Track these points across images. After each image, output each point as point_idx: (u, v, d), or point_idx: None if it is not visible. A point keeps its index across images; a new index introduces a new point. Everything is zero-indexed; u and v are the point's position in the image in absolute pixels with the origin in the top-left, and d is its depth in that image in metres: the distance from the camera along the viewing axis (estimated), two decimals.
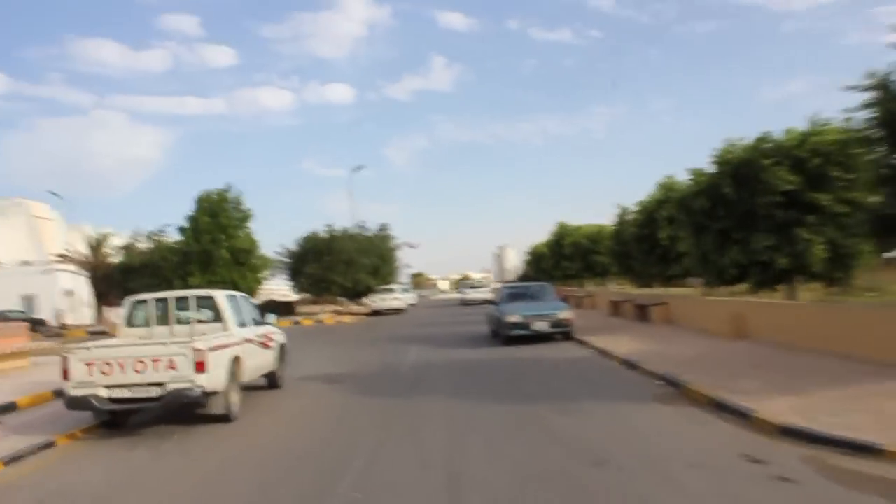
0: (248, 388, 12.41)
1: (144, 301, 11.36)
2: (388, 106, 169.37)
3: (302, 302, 53.88)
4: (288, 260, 38.67)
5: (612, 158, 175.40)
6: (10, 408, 11.85)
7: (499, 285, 51.27)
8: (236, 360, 10.45)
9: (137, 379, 9.19)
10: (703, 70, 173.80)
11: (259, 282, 26.11)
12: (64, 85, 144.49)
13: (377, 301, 42.13)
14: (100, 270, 40.40)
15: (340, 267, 36.82)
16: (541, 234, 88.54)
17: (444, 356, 17.20)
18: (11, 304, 52.83)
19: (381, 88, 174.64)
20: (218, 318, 11.01)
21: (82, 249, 43.32)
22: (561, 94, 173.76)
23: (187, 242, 24.42)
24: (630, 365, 13.09)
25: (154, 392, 9.19)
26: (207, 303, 11.24)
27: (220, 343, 9.85)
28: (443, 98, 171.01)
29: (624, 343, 16.30)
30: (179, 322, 11.21)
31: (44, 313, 48.03)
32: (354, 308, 48.23)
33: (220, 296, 11.16)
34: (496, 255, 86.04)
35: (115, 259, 38.37)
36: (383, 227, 45.06)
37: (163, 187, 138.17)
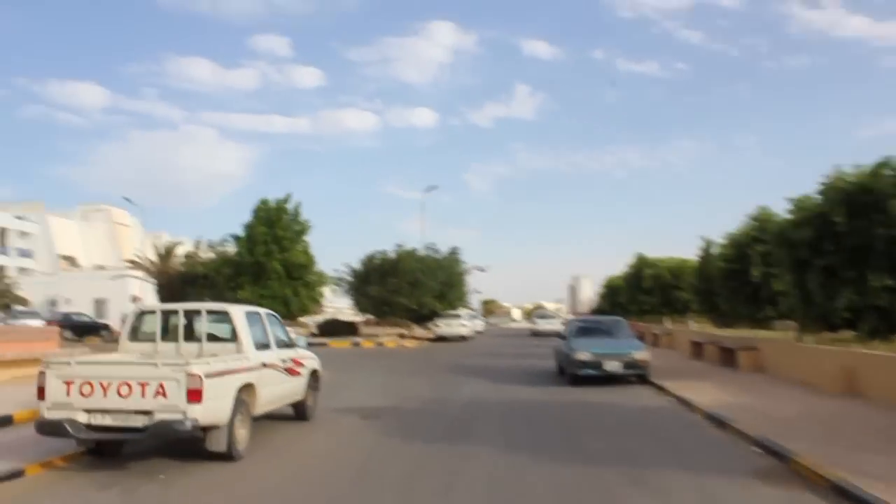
0: (270, 418, 10.86)
1: (152, 312, 9.94)
2: (470, 132, 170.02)
3: (367, 323, 52.73)
4: (350, 279, 37.46)
5: (693, 193, 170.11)
6: (3, 422, 10.56)
7: (571, 317, 49.07)
8: (248, 389, 8.88)
9: (121, 404, 7.70)
10: (792, 106, 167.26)
11: (314, 300, 24.73)
12: (158, 100, 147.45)
13: (442, 326, 40.44)
14: (165, 278, 40.02)
15: (405, 288, 35.34)
16: (617, 267, 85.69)
17: (502, 394, 15.35)
18: (84, 307, 53.45)
19: (463, 114, 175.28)
20: (235, 336, 9.45)
21: (152, 257, 43.17)
22: (644, 126, 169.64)
23: (241, 253, 23.29)
24: (718, 421, 10.98)
25: (139, 421, 7.68)
26: (221, 318, 9.73)
27: (224, 368, 8.28)
28: (524, 126, 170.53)
29: (708, 392, 14.14)
30: (191, 339, 9.69)
31: (113, 318, 48.10)
32: (419, 332, 46.73)
33: (237, 311, 9.61)
34: (570, 285, 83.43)
35: (183, 268, 38.07)
36: (453, 250, 43.57)
37: (245, 202, 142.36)
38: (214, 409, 7.93)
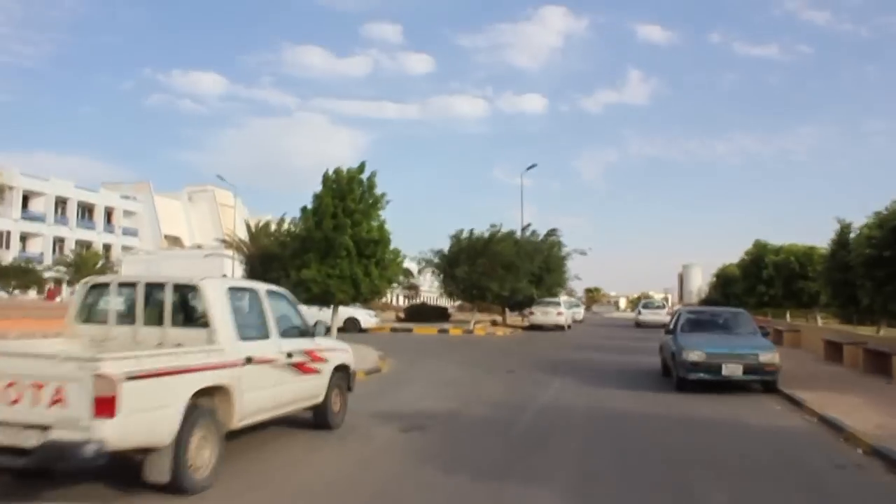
0: (282, 423, 8.41)
1: (105, 285, 7.55)
2: (580, 118, 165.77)
3: (461, 309, 50.22)
4: (437, 261, 34.96)
5: (814, 181, 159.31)
6: None
7: (678, 307, 45.20)
8: (215, 393, 6.40)
9: (8, 414, 5.31)
10: None
11: (389, 281, 22.24)
12: (273, 87, 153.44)
13: (537, 314, 37.46)
14: (255, 256, 38.67)
15: (497, 272, 32.58)
16: (729, 256, 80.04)
17: (591, 400, 12.46)
18: None
19: (574, 100, 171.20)
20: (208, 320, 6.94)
21: (244, 235, 42.01)
22: (762, 112, 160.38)
23: (308, 228, 21.07)
24: (890, 461, 7.76)
25: (30, 439, 5.27)
26: (193, 295, 7.24)
27: (164, 366, 5.77)
28: (636, 112, 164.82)
29: (861, 410, 10.81)
30: (154, 322, 7.22)
31: None
32: (513, 319, 43.87)
33: (210, 287, 7.04)
34: (679, 274, 78.25)
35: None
36: (552, 231, 40.44)
37: None
38: (143, 424, 5.48)
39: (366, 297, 21.76)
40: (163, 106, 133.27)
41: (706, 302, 59.82)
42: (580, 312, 54.73)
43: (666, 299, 50.84)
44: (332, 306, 22.02)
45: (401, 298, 70.56)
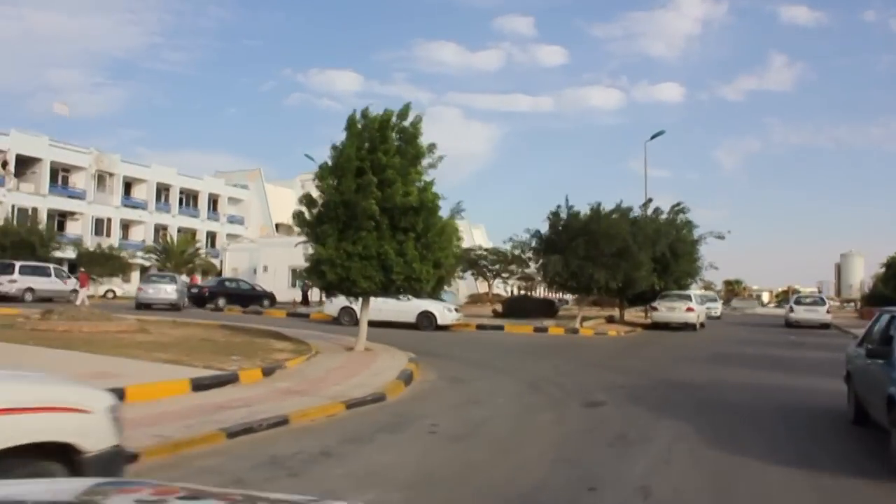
0: None
1: None
2: (719, 107, 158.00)
3: (579, 302, 43.52)
4: (534, 244, 28.66)
5: None
6: None
7: (834, 302, 37.10)
8: None
9: None
10: None
11: (437, 265, 16.09)
12: (407, 83, 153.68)
13: (661, 309, 30.49)
14: None
15: (604, 258, 26.00)
16: (891, 246, 69.06)
17: (718, 484, 6.08)
18: (281, 274, 50.02)
19: (712, 88, 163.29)
20: None
21: None
22: None
23: (327, 189, 15.47)
24: None
25: None
26: None
27: None
28: (780, 99, 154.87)
29: None
30: None
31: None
32: (633, 315, 36.86)
33: None
34: (837, 265, 67.95)
35: None
36: (678, 207, 33.11)
37: (488, 180, 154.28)
38: None
39: (400, 287, 15.81)
40: (302, 104, 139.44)
41: (874, 298, 50.40)
42: (717, 308, 46.80)
43: (815, 294, 42.13)
44: (359, 298, 16.43)
45: (514, 289, 64.52)
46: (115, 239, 61.52)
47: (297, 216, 16.76)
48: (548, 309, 34.01)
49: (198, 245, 59.76)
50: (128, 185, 66.95)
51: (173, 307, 33.36)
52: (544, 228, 28.36)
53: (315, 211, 16.04)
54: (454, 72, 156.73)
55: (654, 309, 30.85)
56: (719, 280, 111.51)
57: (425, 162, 16.07)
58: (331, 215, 15.35)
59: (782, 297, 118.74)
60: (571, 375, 14.28)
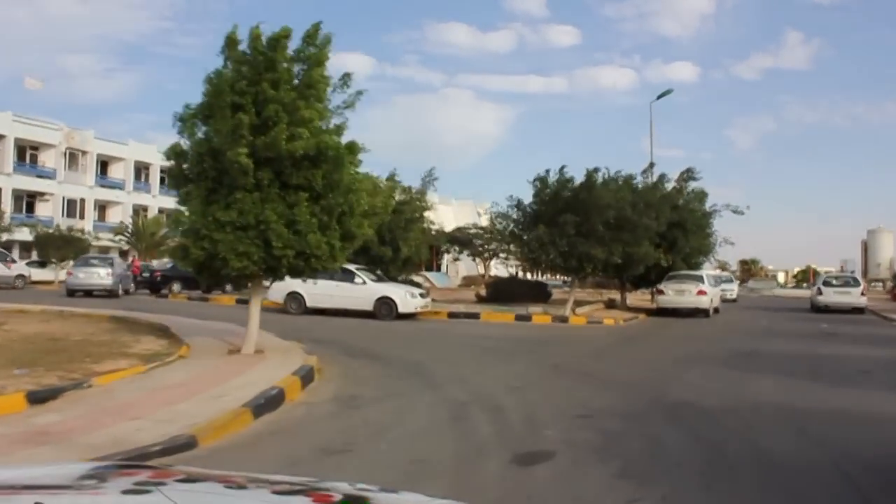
0: None
1: None
2: (734, 85, 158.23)
3: (587, 285, 39.16)
4: (515, 216, 24.20)
5: None
6: None
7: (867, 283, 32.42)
8: None
9: None
10: None
11: (350, 237, 11.57)
12: (419, 65, 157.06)
13: (668, 292, 26.06)
14: None
15: (598, 232, 21.60)
16: None
17: None
18: None
19: (726, 67, 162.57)
20: None
21: None
22: None
23: (191, 136, 11.02)
24: None
25: None
26: None
27: None
28: (795, 77, 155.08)
29: None
30: None
31: None
32: (637, 299, 32.45)
33: None
34: (863, 241, 62.76)
35: None
36: (688, 173, 28.47)
37: (501, 161, 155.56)
38: None
39: (293, 267, 11.38)
40: None
41: None
42: (733, 290, 42.16)
43: (850, 273, 37.23)
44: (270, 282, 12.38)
45: (518, 271, 59.97)
46: (88, 221, 57.65)
47: (169, 173, 12.45)
48: (539, 293, 29.59)
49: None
50: (104, 164, 63.12)
51: (110, 294, 29.31)
52: (529, 198, 23.95)
53: (185, 167, 11.67)
54: (466, 53, 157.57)
55: (660, 292, 26.41)
56: (734, 260, 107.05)
57: (336, 100, 11.74)
58: (197, 171, 10.99)
59: (801, 278, 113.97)
60: (529, 391, 9.95)
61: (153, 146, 66.74)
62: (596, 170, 23.11)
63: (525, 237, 23.79)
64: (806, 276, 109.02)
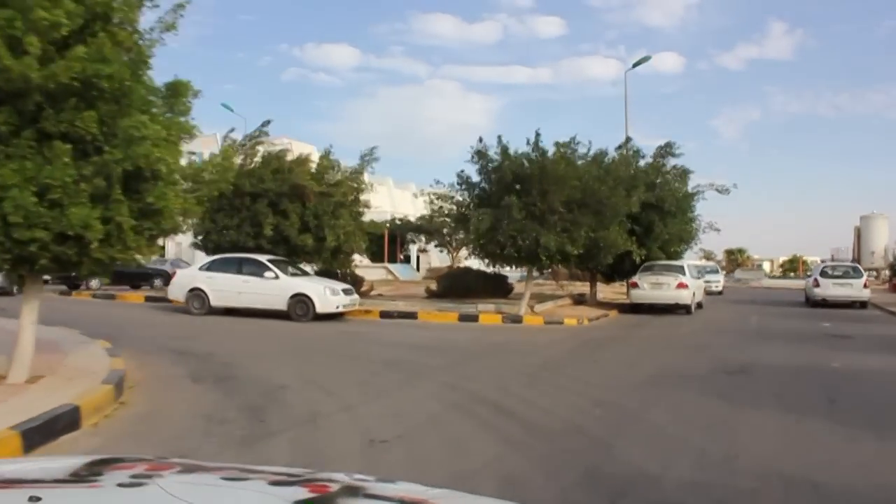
0: None
1: None
2: (719, 76, 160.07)
3: (559, 277, 35.43)
4: (459, 196, 20.37)
5: None
6: None
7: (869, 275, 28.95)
8: None
9: None
10: None
11: (163, 219, 7.77)
12: (404, 56, 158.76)
13: (643, 286, 22.39)
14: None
15: (557, 214, 17.90)
16: None
17: None
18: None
19: (711, 57, 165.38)
20: None
21: None
22: None
23: None
24: None
25: None
26: None
27: None
28: (780, 67, 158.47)
29: None
30: None
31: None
32: (614, 292, 28.88)
33: None
34: (857, 228, 59.25)
35: None
36: (667, 148, 24.67)
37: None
38: None
39: (56, 260, 7.52)
40: (298, 79, 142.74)
41: None
42: (719, 281, 38.56)
43: (851, 262, 33.43)
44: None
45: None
46: None
47: None
48: (498, 287, 25.81)
49: None
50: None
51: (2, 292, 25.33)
52: (477, 176, 20.12)
53: None
54: (452, 44, 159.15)
55: (634, 285, 22.70)
56: (720, 249, 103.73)
57: (150, 19, 7.99)
58: None
59: (788, 267, 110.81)
60: (397, 449, 6.19)
61: None
62: (562, 145, 19.27)
63: (464, 223, 20.01)
64: (793, 266, 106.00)
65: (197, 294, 19.37)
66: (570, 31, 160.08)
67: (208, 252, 22.35)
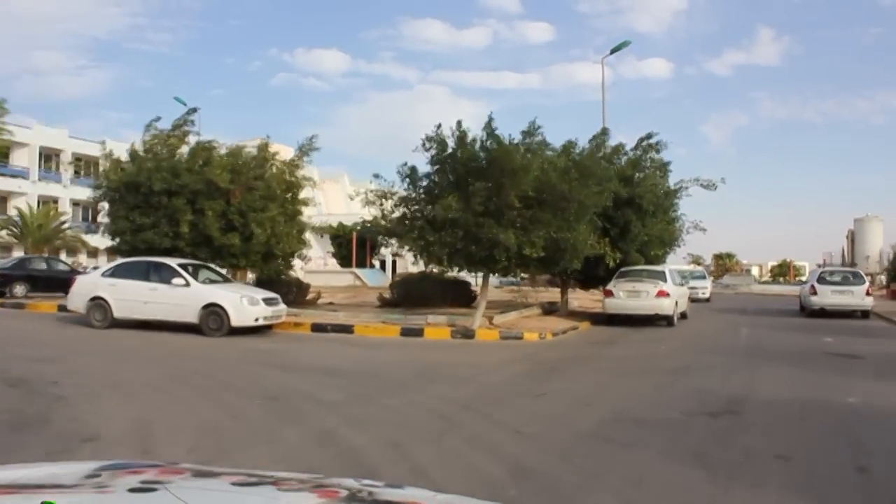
0: None
1: None
2: (707, 81, 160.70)
3: (535, 283, 32.74)
4: (405, 191, 17.54)
5: None
6: None
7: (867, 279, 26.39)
8: None
9: None
10: None
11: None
12: (394, 62, 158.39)
13: (619, 294, 19.65)
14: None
15: (511, 212, 15.17)
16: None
17: None
18: None
19: (699, 63, 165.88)
20: None
21: None
22: None
23: None
24: None
25: None
26: None
27: None
28: (767, 73, 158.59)
29: None
30: None
31: None
32: (588, 299, 26.25)
33: None
34: (850, 231, 56.58)
35: None
36: (647, 141, 21.84)
37: None
38: None
39: None
40: (288, 84, 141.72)
41: None
42: (706, 288, 35.77)
43: (852, 267, 30.51)
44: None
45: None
46: None
47: None
48: (459, 294, 23.07)
49: (63, 218, 48.22)
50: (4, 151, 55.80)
51: None
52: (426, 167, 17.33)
53: None
54: (441, 49, 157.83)
55: (609, 294, 19.98)
56: (709, 254, 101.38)
57: None
58: None
59: (777, 272, 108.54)
60: None
61: (64, 130, 59.64)
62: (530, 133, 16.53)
63: (415, 215, 17.22)
64: (783, 271, 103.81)
65: (98, 304, 16.57)
66: (559, 36, 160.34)
67: (123, 255, 19.56)
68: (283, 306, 17.05)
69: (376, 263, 52.21)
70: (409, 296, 22.92)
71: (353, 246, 46.56)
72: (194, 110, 20.59)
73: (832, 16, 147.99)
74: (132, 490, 1.65)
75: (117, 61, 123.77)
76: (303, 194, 20.97)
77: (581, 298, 26.87)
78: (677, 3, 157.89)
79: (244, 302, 15.83)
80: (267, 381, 10.25)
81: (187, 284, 16.12)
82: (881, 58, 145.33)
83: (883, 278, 44.08)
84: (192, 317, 15.88)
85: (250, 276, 22.51)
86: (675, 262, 28.37)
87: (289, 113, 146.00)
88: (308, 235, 48.72)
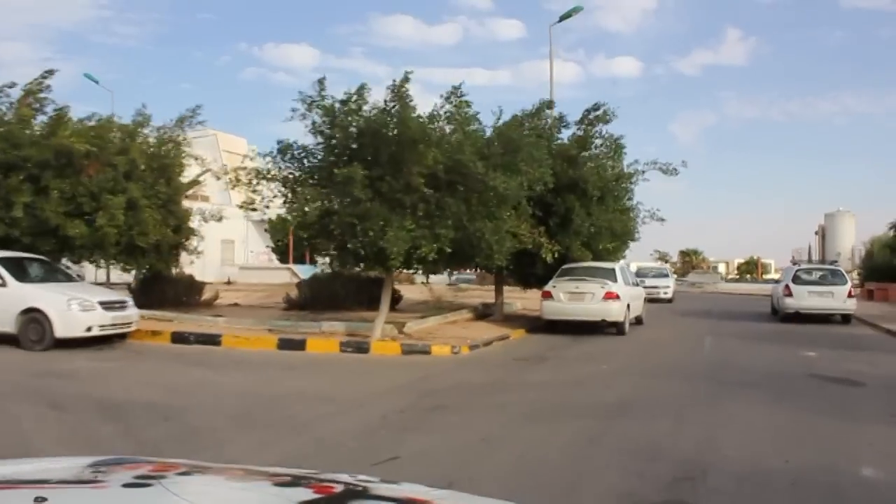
0: None
1: None
2: (676, 81, 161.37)
3: (485, 281, 29.39)
4: (287, 171, 13.92)
5: None
6: None
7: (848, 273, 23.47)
8: None
9: None
10: None
11: None
12: (364, 58, 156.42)
13: (560, 297, 16.39)
14: None
15: (413, 197, 11.77)
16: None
17: None
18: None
19: (668, 62, 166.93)
20: None
21: None
22: (871, 70, 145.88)
23: None
24: None
25: None
26: None
27: None
28: (734, 73, 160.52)
29: None
30: None
31: None
32: (533, 303, 22.94)
33: None
34: (820, 227, 53.91)
35: None
36: (595, 113, 18.55)
37: None
38: None
39: None
40: (257, 79, 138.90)
41: (878, 271, 37.47)
42: (668, 287, 32.55)
43: (832, 265, 27.63)
44: None
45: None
46: None
47: None
48: (378, 294, 19.62)
49: None
50: None
51: None
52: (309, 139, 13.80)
53: None
54: (412, 46, 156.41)
55: (547, 295, 16.70)
56: (675, 251, 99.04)
57: None
58: None
59: (744, 269, 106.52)
60: None
61: None
62: (447, 96, 13.22)
63: (290, 199, 13.72)
64: (751, 268, 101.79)
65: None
66: (529, 33, 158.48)
67: None
68: (132, 311, 13.49)
69: (320, 259, 48.71)
70: (318, 297, 19.61)
71: (289, 240, 43.05)
72: (50, 72, 16.91)
73: (797, 18, 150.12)
74: (126, 485, 1.63)
75: (83, 54, 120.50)
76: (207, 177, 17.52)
77: (527, 299, 23.60)
78: (646, 2, 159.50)
79: (73, 306, 12.29)
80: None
81: (3, 284, 12.58)
82: (845, 60, 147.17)
83: (855, 276, 41.58)
84: (8, 325, 12.36)
85: (130, 274, 19.10)
86: (641, 259, 25.16)
87: (257, 107, 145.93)
88: (249, 229, 44.70)
